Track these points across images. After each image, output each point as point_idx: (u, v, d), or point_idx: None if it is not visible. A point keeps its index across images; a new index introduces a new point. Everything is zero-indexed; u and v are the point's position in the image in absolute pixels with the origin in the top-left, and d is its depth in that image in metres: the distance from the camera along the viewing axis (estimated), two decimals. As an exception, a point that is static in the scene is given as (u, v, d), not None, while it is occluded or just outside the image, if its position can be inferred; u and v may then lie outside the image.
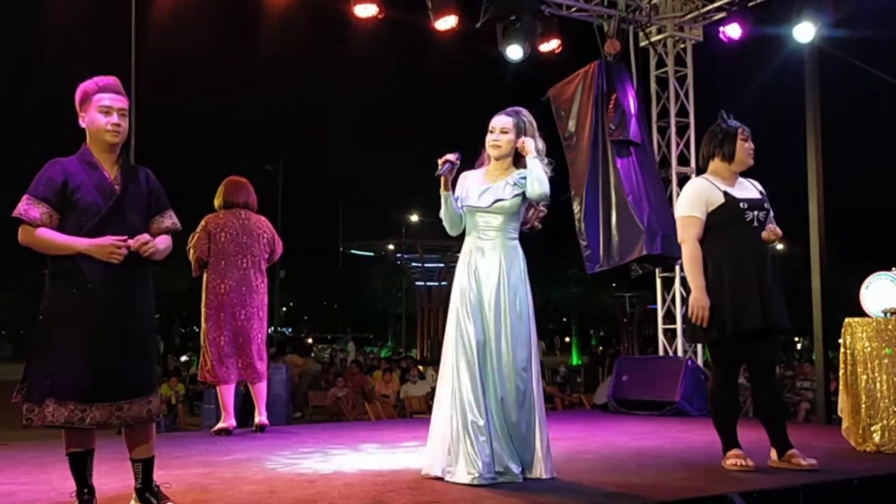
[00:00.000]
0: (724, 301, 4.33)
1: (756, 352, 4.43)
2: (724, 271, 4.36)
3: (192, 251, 6.07)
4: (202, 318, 6.09)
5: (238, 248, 6.06)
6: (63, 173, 3.41)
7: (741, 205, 4.40)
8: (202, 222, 6.13)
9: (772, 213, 4.57)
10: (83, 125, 3.51)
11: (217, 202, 6.24)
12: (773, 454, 4.50)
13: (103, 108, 3.48)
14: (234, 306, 6.02)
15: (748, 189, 4.54)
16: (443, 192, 4.22)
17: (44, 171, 3.43)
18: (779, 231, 4.43)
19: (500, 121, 4.27)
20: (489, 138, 4.28)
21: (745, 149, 4.49)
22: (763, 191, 4.59)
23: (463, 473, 3.94)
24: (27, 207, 3.36)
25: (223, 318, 6.01)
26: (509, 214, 4.20)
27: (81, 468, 3.43)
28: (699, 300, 4.34)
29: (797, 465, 4.36)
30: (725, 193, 4.42)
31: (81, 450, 3.43)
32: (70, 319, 3.33)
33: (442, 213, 4.28)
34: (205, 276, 6.10)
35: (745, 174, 4.63)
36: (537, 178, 4.11)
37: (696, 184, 4.59)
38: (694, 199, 4.47)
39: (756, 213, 4.41)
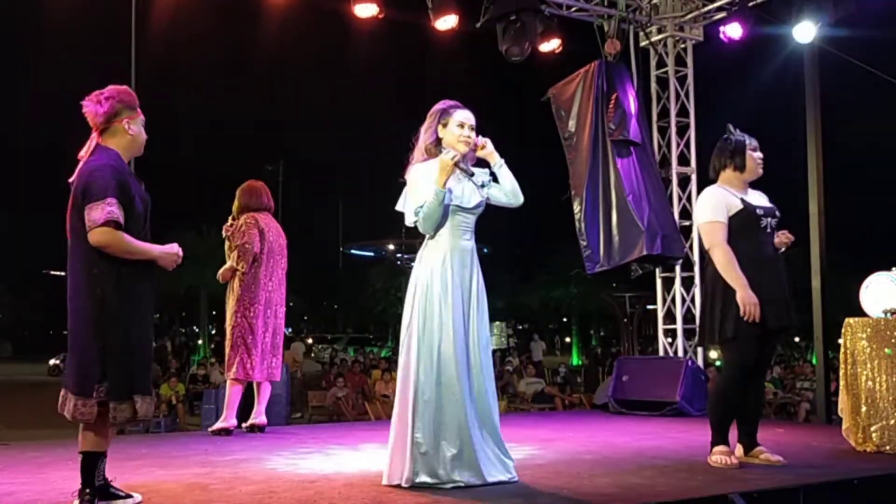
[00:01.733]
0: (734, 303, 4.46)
1: (762, 351, 4.58)
2: (747, 273, 4.45)
3: (245, 246, 6.01)
4: (245, 316, 6.01)
5: (279, 249, 6.25)
6: (127, 179, 3.48)
7: (758, 211, 4.58)
8: (249, 219, 6.11)
9: None
10: (129, 130, 3.57)
11: (240, 204, 6.24)
12: (739, 450, 4.68)
13: (143, 123, 3.65)
14: (278, 304, 6.16)
15: (760, 198, 4.74)
16: (441, 189, 3.96)
17: (112, 173, 3.43)
18: (791, 236, 4.65)
19: (469, 116, 4.16)
20: (461, 133, 4.09)
21: (754, 158, 4.68)
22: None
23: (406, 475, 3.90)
24: (118, 212, 3.40)
25: (269, 315, 6.09)
26: (479, 215, 4.18)
27: (95, 469, 3.45)
28: (749, 297, 4.39)
29: (766, 460, 4.57)
30: (742, 200, 4.60)
31: (104, 449, 3.49)
32: (136, 319, 3.50)
33: (431, 211, 3.97)
34: (248, 273, 6.05)
35: (753, 185, 4.79)
36: (514, 188, 4.20)
37: (713, 191, 4.70)
38: (716, 205, 4.59)
39: (770, 219, 4.61)
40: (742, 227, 4.53)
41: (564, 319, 44.77)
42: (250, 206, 6.22)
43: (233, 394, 6.05)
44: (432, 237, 4.07)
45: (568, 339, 44.74)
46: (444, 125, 4.13)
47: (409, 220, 4.08)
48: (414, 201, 4.04)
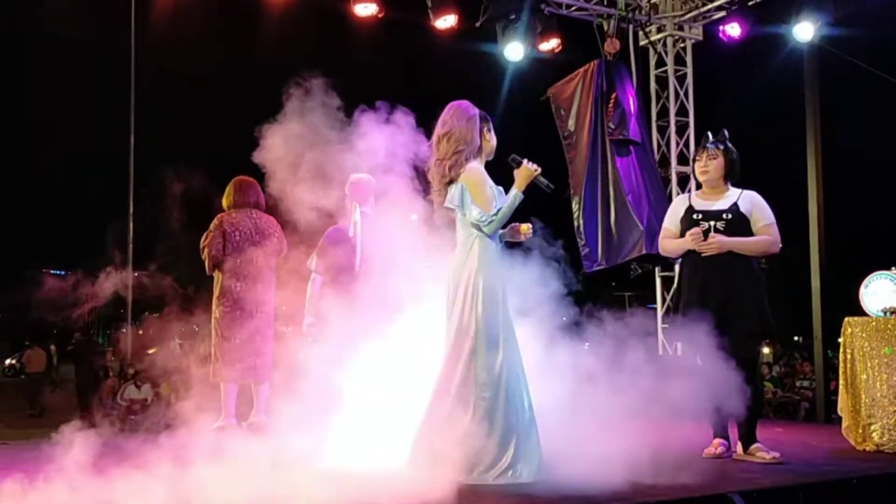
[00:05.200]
0: (681, 297, 4.88)
1: (730, 349, 4.59)
2: (684, 271, 4.90)
3: (205, 250, 6.03)
4: (215, 317, 6.05)
5: (252, 247, 6.09)
6: None
7: (694, 215, 4.81)
8: (216, 221, 6.10)
9: (767, 225, 4.73)
10: None
11: (226, 202, 6.23)
12: (739, 448, 4.78)
13: None
14: (251, 305, 6.04)
15: (722, 201, 4.81)
16: (521, 194, 4.11)
17: None
18: (709, 244, 4.66)
19: None
20: (492, 139, 4.32)
21: (697, 168, 4.92)
22: (740, 203, 4.77)
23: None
24: None
25: (238, 317, 6.00)
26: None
27: None
28: (689, 234, 4.77)
29: (761, 458, 4.63)
30: (690, 206, 4.88)
31: None
32: None
33: (505, 215, 4.09)
34: (217, 275, 6.06)
35: (747, 186, 4.91)
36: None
37: (675, 199, 5.16)
38: (668, 213, 5.07)
39: (713, 223, 4.75)
40: (686, 229, 4.80)
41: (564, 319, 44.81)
42: (234, 202, 6.20)
43: (225, 393, 6.03)
44: (479, 239, 4.10)
45: (567, 339, 44.77)
46: (488, 130, 4.27)
47: (473, 216, 4.06)
48: (483, 202, 4.05)
